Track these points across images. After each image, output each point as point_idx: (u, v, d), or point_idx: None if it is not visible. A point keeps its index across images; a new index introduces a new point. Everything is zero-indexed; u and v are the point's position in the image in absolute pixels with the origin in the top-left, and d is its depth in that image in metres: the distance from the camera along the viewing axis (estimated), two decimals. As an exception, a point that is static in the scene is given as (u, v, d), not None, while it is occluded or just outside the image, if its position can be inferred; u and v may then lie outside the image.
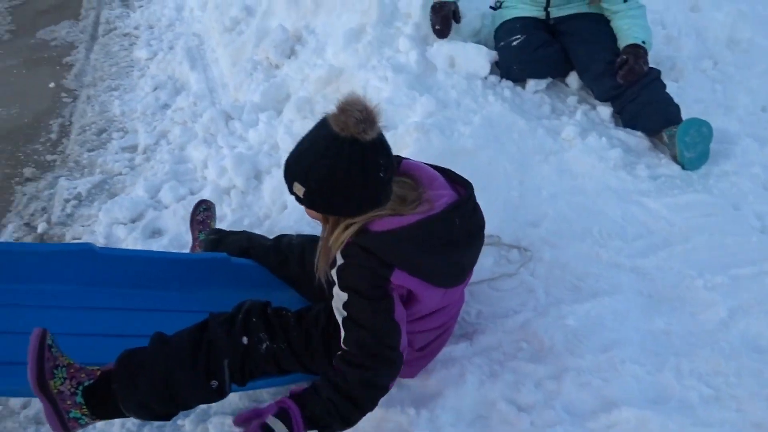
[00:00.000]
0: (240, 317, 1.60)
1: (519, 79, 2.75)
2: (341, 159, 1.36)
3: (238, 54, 3.44)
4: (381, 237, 1.43)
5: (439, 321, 1.64)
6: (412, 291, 1.49)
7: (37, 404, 1.91)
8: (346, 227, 1.46)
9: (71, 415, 1.46)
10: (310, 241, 1.90)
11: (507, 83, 2.72)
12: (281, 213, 2.44)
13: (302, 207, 1.51)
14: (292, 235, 2.05)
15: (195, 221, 2.34)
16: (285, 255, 1.96)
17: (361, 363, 1.44)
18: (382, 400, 1.64)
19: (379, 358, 1.45)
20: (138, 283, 1.95)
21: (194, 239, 2.31)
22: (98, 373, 1.51)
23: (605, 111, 2.67)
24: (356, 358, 1.45)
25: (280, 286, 1.99)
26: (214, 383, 1.53)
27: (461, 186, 1.58)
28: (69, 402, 1.45)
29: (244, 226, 2.47)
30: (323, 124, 1.39)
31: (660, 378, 1.65)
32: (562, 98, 2.76)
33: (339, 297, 1.48)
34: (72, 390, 1.46)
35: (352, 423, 1.48)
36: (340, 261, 1.48)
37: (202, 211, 2.36)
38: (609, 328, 1.82)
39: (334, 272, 1.49)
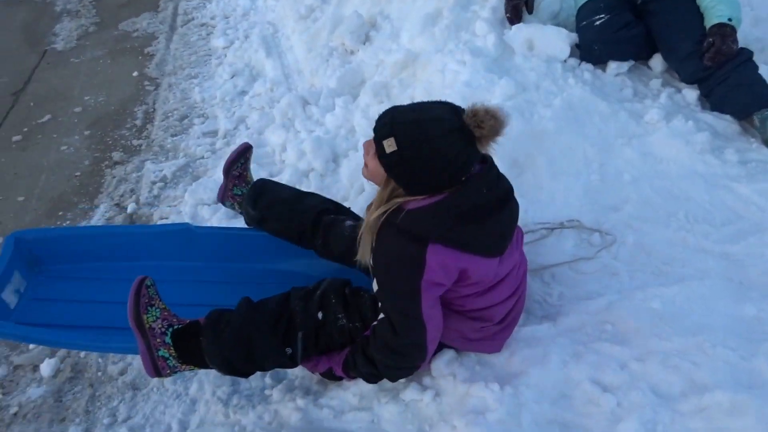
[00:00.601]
0: (318, 294, 1.68)
1: (599, 61, 2.69)
2: (452, 150, 1.39)
3: (314, 41, 3.51)
4: (412, 214, 1.45)
5: (510, 288, 1.66)
6: (462, 268, 1.49)
7: (134, 371, 2.02)
8: (394, 198, 1.47)
9: (160, 353, 1.62)
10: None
11: (587, 66, 2.67)
12: (359, 195, 2.49)
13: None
14: (344, 231, 1.91)
15: (231, 175, 2.21)
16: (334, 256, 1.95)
17: (381, 348, 1.57)
18: (464, 375, 1.68)
19: (397, 354, 1.57)
20: (229, 257, 2.07)
21: (227, 189, 2.22)
22: (188, 321, 1.66)
23: (691, 94, 2.58)
24: (380, 342, 1.57)
25: None
26: (289, 350, 1.65)
27: (481, 161, 1.56)
28: (159, 340, 1.61)
29: (323, 207, 2.53)
30: (455, 112, 1.42)
31: (754, 363, 1.60)
32: (644, 81, 2.68)
33: (375, 283, 1.58)
34: (162, 329, 1.62)
35: (372, 382, 1.68)
36: (375, 244, 1.52)
37: (240, 166, 2.22)
38: (697, 313, 1.78)
39: (370, 257, 1.55)
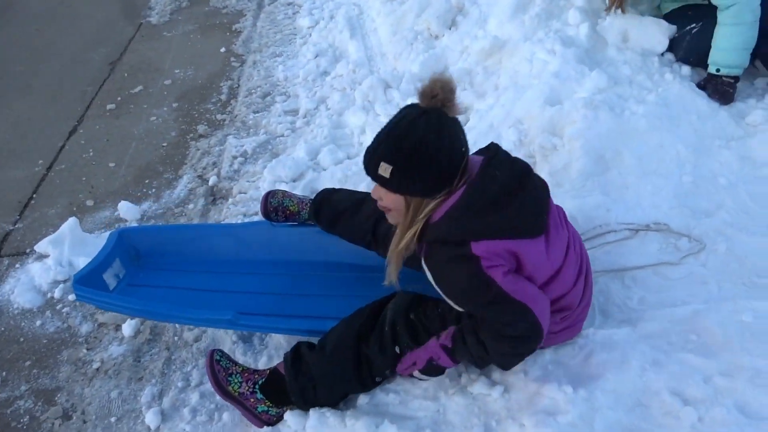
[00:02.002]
0: (387, 330, 1.66)
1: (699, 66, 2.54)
2: (431, 129, 1.38)
3: (399, 24, 3.49)
4: (441, 223, 1.44)
5: (575, 267, 1.62)
6: (513, 252, 1.44)
7: (208, 338, 2.09)
8: (419, 216, 1.46)
9: (259, 409, 1.69)
10: None
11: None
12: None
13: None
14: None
15: (281, 221, 2.17)
16: None
17: (497, 338, 1.49)
18: (536, 374, 1.64)
19: (515, 339, 1.48)
20: (306, 250, 2.17)
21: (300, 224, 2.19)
22: (268, 372, 1.72)
23: (800, 95, 2.41)
24: (494, 334, 1.49)
25: None
26: (379, 379, 1.71)
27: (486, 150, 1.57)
28: (252, 399, 1.69)
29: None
30: (408, 106, 1.45)
31: None
32: (749, 79, 2.52)
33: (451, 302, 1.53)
34: (251, 389, 1.69)
35: (480, 367, 1.65)
36: (428, 273, 1.50)
37: (275, 214, 2.16)
38: (793, 331, 1.66)
39: (433, 283, 1.51)
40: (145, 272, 2.17)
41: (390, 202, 1.49)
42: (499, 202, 1.43)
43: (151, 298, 2.05)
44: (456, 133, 1.42)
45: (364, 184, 2.60)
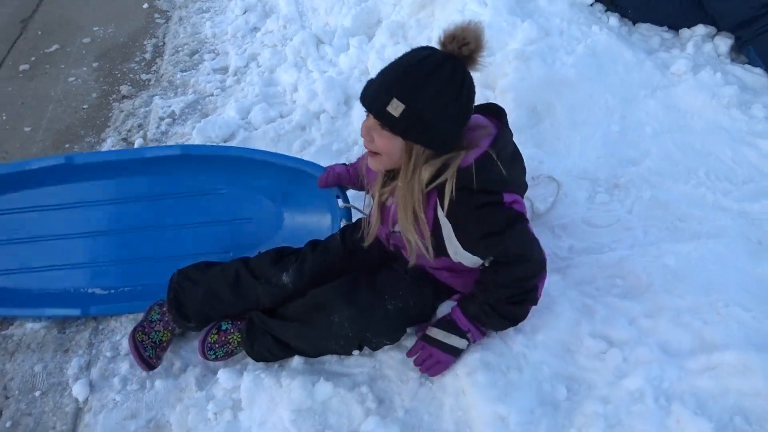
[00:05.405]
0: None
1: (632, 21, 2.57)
2: (456, 78, 1.26)
3: (329, -23, 3.37)
4: (473, 172, 1.33)
5: None
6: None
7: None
8: (424, 168, 1.34)
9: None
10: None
11: (615, 12, 2.55)
12: (370, 138, 2.42)
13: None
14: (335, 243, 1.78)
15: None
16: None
17: (508, 286, 1.50)
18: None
19: (528, 278, 1.49)
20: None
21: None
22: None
23: (722, 45, 2.47)
24: (507, 280, 1.48)
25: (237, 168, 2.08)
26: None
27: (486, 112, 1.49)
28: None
29: (333, 151, 2.47)
30: (428, 48, 1.31)
31: (766, 324, 1.56)
32: (674, 30, 2.56)
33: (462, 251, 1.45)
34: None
35: (517, 321, 1.56)
36: (448, 226, 1.40)
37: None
38: (712, 271, 1.73)
39: (452, 232, 1.41)
40: None
41: (384, 145, 1.33)
42: (515, 159, 1.47)
43: None
44: (474, 89, 1.33)
45: (298, 142, 2.54)
